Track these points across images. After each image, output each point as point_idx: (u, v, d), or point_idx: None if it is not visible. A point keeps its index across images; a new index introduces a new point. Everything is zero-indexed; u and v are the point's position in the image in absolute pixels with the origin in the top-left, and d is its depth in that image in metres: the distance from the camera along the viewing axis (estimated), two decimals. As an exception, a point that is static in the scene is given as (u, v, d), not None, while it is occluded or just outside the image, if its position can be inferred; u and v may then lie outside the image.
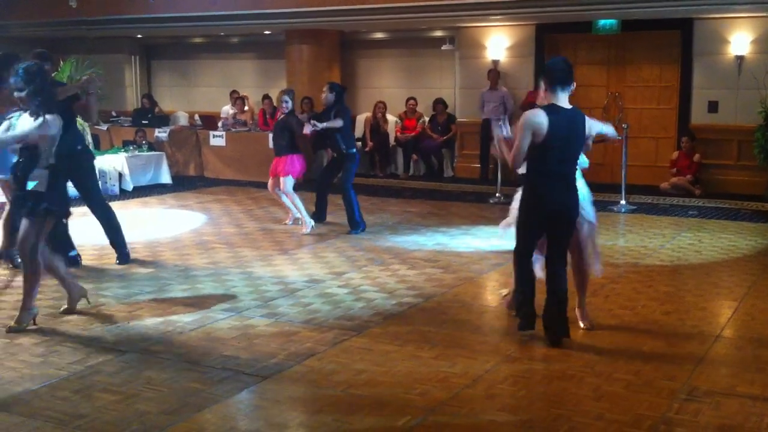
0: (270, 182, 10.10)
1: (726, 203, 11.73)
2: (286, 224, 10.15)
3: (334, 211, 11.01)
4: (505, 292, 6.60)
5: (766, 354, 5.49)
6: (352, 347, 5.59)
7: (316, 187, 10.53)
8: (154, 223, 10.43)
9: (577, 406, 4.61)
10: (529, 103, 5.56)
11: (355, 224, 9.79)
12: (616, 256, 8.41)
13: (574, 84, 5.56)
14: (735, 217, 10.71)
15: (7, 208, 7.20)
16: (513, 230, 5.87)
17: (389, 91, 15.91)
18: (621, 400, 4.69)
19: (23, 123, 5.85)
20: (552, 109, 5.43)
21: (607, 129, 6.09)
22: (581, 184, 5.87)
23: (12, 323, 5.95)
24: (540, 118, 5.39)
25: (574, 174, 5.63)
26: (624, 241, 9.25)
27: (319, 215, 10.28)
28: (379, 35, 16.02)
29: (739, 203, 11.70)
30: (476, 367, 5.18)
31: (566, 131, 5.44)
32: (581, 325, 5.97)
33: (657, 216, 10.85)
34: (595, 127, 5.81)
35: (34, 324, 6.01)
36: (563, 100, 5.48)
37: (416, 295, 6.92)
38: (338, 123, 9.74)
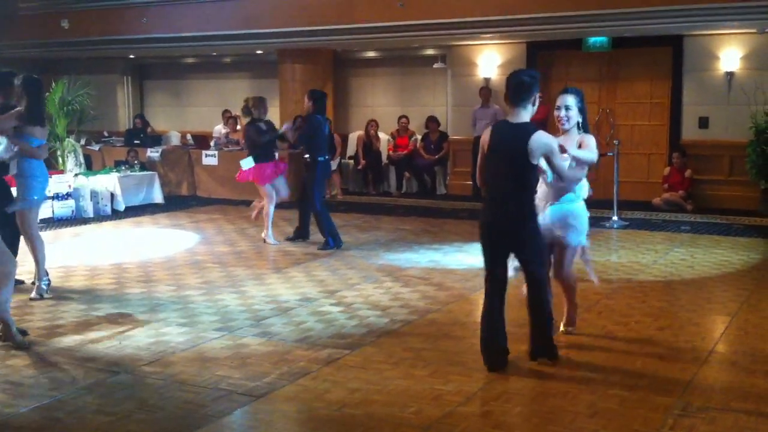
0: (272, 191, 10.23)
1: (718, 218, 11.76)
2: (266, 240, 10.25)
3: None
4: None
5: (760, 369, 5.49)
6: (346, 366, 5.57)
7: (297, 203, 10.52)
8: (147, 243, 10.40)
9: (572, 423, 4.60)
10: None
11: (328, 243, 9.78)
12: (609, 271, 8.42)
13: (532, 98, 5.25)
14: (727, 233, 10.73)
15: None
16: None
17: (382, 109, 15.96)
18: (616, 417, 4.68)
19: None
20: (498, 125, 5.41)
21: (582, 153, 5.59)
22: (577, 206, 5.80)
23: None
24: (485, 134, 5.40)
25: (518, 187, 5.26)
26: (617, 256, 9.25)
27: (303, 232, 10.28)
28: (371, 54, 16.08)
29: (731, 218, 11.73)
30: (470, 385, 5.17)
31: (503, 146, 5.26)
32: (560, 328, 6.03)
33: (650, 231, 10.87)
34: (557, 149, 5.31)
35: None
36: (516, 116, 5.29)
37: (410, 313, 6.91)
38: (286, 126, 10.44)
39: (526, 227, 5.32)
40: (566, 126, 5.71)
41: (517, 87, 5.26)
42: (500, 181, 5.30)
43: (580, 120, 5.74)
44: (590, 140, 5.71)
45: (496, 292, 5.44)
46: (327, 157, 10.27)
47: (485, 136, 5.40)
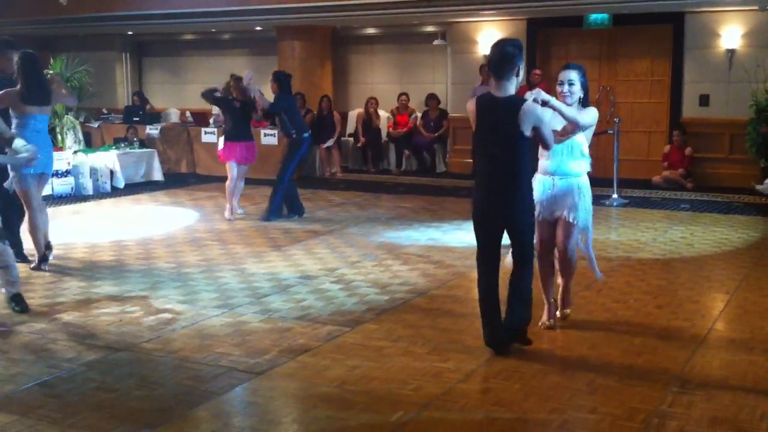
0: (239, 171, 10.40)
1: (718, 197, 11.75)
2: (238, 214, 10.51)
3: (324, 206, 11.03)
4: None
5: (759, 347, 5.50)
6: (346, 343, 5.59)
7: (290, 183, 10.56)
8: (146, 221, 10.41)
9: (570, 400, 4.61)
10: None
11: (270, 212, 10.20)
12: (609, 250, 8.42)
13: (516, 69, 5.08)
14: (727, 211, 10.73)
15: None
16: None
17: (381, 87, 15.91)
18: (614, 394, 4.70)
19: None
20: (484, 100, 5.21)
21: (567, 110, 5.42)
22: (583, 183, 5.68)
23: None
24: (470, 105, 5.24)
25: (509, 168, 5.13)
26: (616, 235, 9.26)
27: (297, 209, 10.39)
28: (371, 31, 16.01)
29: (730, 196, 11.73)
30: (470, 362, 5.18)
31: (493, 123, 5.11)
32: (557, 314, 5.92)
33: (649, 210, 10.87)
34: (548, 118, 5.24)
35: None
36: (501, 89, 5.11)
37: (409, 291, 6.92)
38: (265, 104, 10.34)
39: (520, 204, 5.18)
40: (569, 101, 5.59)
41: (501, 58, 5.09)
42: (492, 157, 5.17)
43: (582, 95, 5.65)
44: (590, 110, 5.60)
45: (490, 271, 5.35)
46: (310, 132, 10.53)
47: (468, 107, 5.25)
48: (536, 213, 5.60)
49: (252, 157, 10.50)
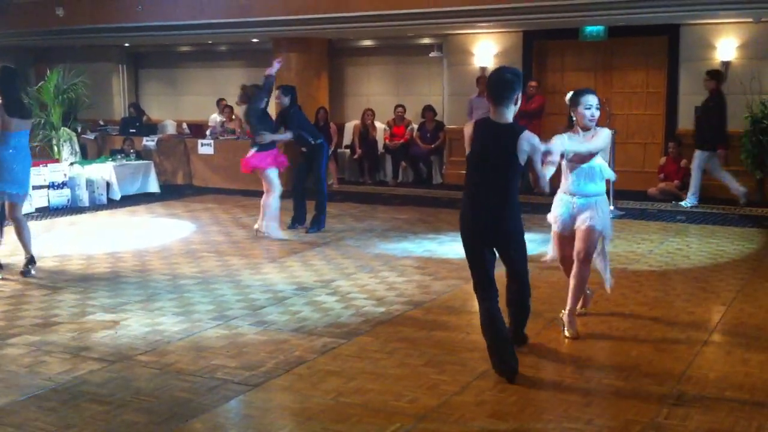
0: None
1: (713, 208, 11.76)
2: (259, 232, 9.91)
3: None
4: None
5: (755, 358, 5.50)
6: (342, 355, 5.58)
7: (298, 191, 10.48)
8: (142, 233, 10.39)
9: (566, 412, 4.61)
10: (519, 111, 5.41)
11: (320, 223, 10.17)
12: (605, 261, 8.42)
13: (515, 97, 5.09)
14: (723, 222, 10.75)
15: None
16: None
17: (378, 99, 15.93)
18: (610, 406, 4.69)
19: None
20: (481, 123, 5.21)
21: (580, 148, 5.79)
22: (601, 200, 5.94)
23: None
24: (467, 129, 5.24)
25: (500, 187, 5.13)
26: (612, 246, 9.21)
27: (301, 218, 10.37)
28: (367, 43, 16.05)
29: (726, 208, 11.74)
30: (465, 374, 5.17)
31: (486, 147, 5.10)
32: (565, 333, 5.94)
33: (645, 221, 10.88)
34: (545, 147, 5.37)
35: None
36: (500, 115, 5.10)
37: (405, 302, 6.91)
38: (287, 136, 10.02)
39: (509, 214, 5.19)
40: (593, 123, 5.86)
41: (500, 85, 5.11)
42: (484, 178, 5.15)
43: (598, 115, 5.93)
44: (602, 132, 5.86)
45: (489, 298, 5.22)
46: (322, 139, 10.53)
47: (465, 131, 5.26)
48: (557, 228, 6.04)
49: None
